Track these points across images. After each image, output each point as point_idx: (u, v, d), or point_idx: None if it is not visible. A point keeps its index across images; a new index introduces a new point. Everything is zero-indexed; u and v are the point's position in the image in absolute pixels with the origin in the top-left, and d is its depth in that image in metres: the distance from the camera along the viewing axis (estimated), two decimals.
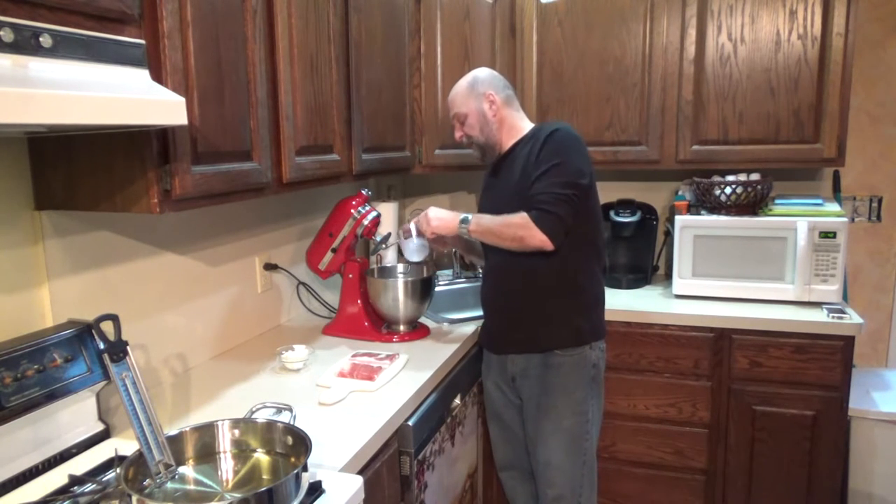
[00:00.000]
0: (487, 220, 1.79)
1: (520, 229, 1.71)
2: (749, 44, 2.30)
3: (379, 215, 2.06)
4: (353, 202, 2.02)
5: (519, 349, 1.85)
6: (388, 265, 2.26)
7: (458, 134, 1.92)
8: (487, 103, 1.86)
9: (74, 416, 1.27)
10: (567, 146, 1.74)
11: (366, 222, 2.01)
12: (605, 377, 1.92)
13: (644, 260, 2.67)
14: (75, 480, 1.16)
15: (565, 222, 1.71)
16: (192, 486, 1.12)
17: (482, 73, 1.91)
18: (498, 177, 1.90)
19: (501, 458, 2.05)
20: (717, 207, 2.36)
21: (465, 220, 1.82)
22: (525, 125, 1.89)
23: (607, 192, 2.81)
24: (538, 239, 1.69)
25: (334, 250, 2.03)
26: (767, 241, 2.26)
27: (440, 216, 1.86)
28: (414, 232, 1.91)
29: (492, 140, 1.88)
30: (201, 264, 1.79)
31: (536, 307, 1.81)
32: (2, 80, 0.81)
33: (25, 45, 0.89)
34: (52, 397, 1.19)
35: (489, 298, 1.92)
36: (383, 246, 2.13)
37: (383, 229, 2.22)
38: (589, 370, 1.82)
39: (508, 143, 1.88)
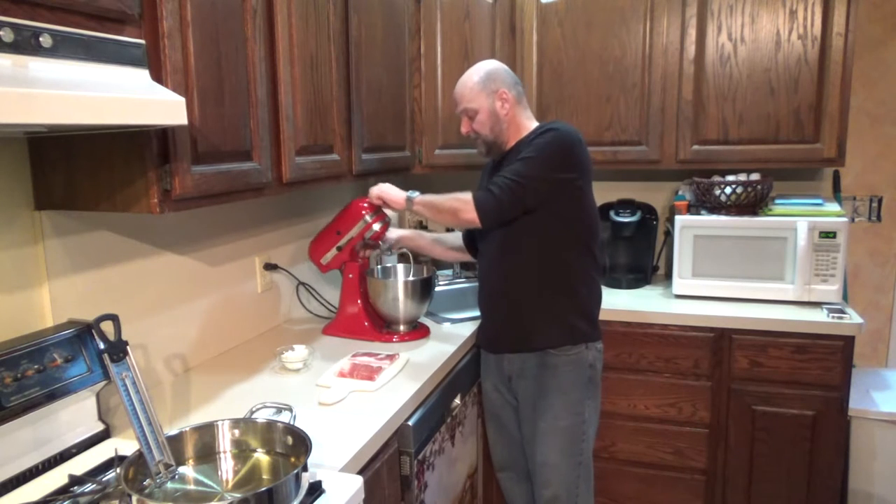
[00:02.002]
0: (432, 195, 1.83)
1: (456, 202, 1.75)
2: (749, 44, 2.30)
3: (389, 221, 2.04)
4: (365, 204, 1.99)
5: (514, 348, 1.85)
6: (389, 265, 2.26)
7: (465, 128, 1.89)
8: (500, 101, 1.82)
9: (74, 416, 1.27)
10: (551, 143, 1.72)
11: (376, 228, 1.99)
12: (605, 377, 1.92)
13: (644, 260, 2.67)
14: (75, 480, 1.16)
15: (503, 208, 1.72)
16: (192, 486, 1.12)
17: (493, 66, 1.86)
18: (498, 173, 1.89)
19: (499, 458, 2.05)
20: (717, 207, 2.36)
21: (409, 198, 1.86)
22: (531, 124, 1.88)
23: (607, 192, 2.81)
24: (470, 216, 1.73)
25: (339, 248, 2.02)
26: (767, 241, 2.26)
27: (390, 189, 1.91)
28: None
29: (501, 139, 1.85)
30: (201, 264, 1.79)
31: (530, 306, 1.80)
32: (2, 80, 0.81)
33: (25, 45, 0.89)
34: (52, 397, 1.19)
35: (484, 298, 1.93)
36: (389, 253, 2.12)
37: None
38: (586, 371, 1.82)
39: (514, 141, 1.86)
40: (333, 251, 2.03)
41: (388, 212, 2.43)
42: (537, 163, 1.71)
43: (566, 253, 1.78)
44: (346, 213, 2.03)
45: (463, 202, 1.74)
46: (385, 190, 1.91)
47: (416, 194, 1.85)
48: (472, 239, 2.07)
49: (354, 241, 2.01)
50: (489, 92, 1.82)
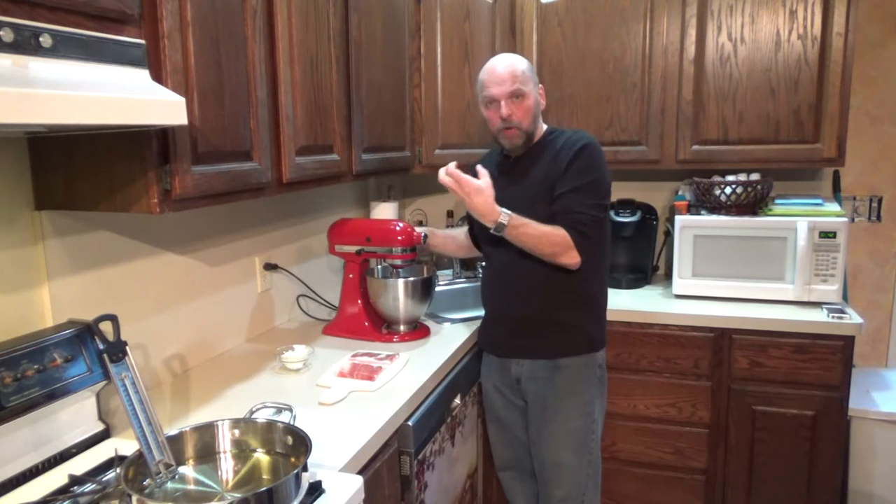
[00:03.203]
0: (530, 228, 1.69)
1: (558, 247, 1.71)
2: (749, 44, 2.30)
3: (416, 258, 2.05)
4: (399, 236, 1.98)
5: (528, 355, 1.84)
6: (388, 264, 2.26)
7: (506, 111, 1.75)
8: (540, 95, 1.84)
9: (74, 416, 1.27)
10: (599, 164, 1.75)
11: (397, 262, 2.03)
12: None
13: (644, 260, 2.67)
14: (75, 480, 1.16)
15: (592, 242, 1.74)
16: (192, 486, 1.12)
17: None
18: (514, 178, 1.84)
19: (501, 458, 2.05)
20: (717, 207, 2.36)
21: (502, 221, 1.67)
22: (543, 126, 1.88)
23: None
24: (574, 260, 1.72)
25: (359, 252, 2.03)
26: (767, 241, 2.26)
27: (487, 202, 1.67)
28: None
29: (532, 132, 1.82)
30: (201, 264, 1.79)
31: (549, 316, 1.79)
32: (2, 80, 0.81)
33: (25, 45, 0.89)
34: (52, 397, 1.19)
35: (496, 303, 1.91)
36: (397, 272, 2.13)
37: None
38: (596, 371, 1.83)
39: (534, 140, 1.84)
40: (352, 248, 2.02)
41: (383, 207, 2.44)
42: (597, 188, 1.74)
43: (586, 261, 1.76)
44: (385, 230, 2.01)
45: (564, 248, 1.69)
46: (487, 194, 1.67)
47: (506, 218, 1.67)
48: (474, 235, 2.08)
49: (374, 255, 2.04)
50: (535, 82, 1.82)
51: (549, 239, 1.71)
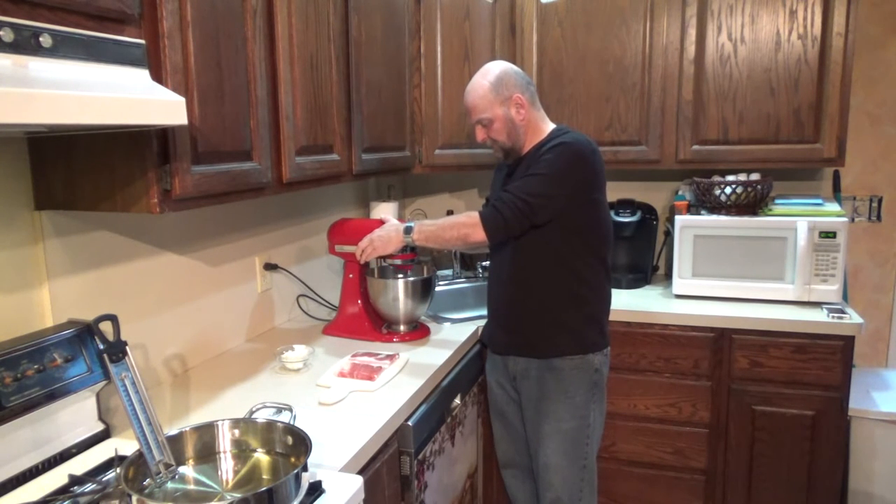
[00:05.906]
0: (435, 224, 1.79)
1: (465, 228, 1.72)
2: (749, 44, 2.30)
3: (416, 254, 2.05)
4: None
5: (519, 353, 1.85)
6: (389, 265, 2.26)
7: (480, 136, 1.82)
8: (515, 107, 1.76)
9: (74, 416, 1.27)
10: (561, 159, 1.69)
11: (398, 262, 2.04)
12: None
13: (644, 260, 2.67)
14: (75, 480, 1.16)
15: (509, 226, 1.70)
16: (192, 486, 1.12)
17: (502, 69, 1.78)
18: (514, 178, 1.83)
19: (503, 455, 2.05)
20: (717, 207, 2.36)
21: (408, 230, 1.79)
22: (546, 126, 1.84)
23: (607, 192, 2.81)
24: (480, 236, 1.72)
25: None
26: (767, 241, 2.26)
27: (382, 235, 1.82)
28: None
29: (518, 144, 1.81)
30: (201, 264, 1.79)
31: (539, 315, 1.79)
32: (2, 80, 0.81)
33: (25, 45, 0.89)
34: (52, 397, 1.19)
35: (491, 301, 1.92)
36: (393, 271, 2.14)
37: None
38: (591, 375, 1.81)
39: (531, 144, 1.81)
40: (352, 249, 2.02)
41: (383, 207, 2.44)
42: (545, 181, 1.68)
43: (578, 262, 1.76)
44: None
45: (471, 226, 1.71)
46: (377, 238, 1.82)
47: (412, 226, 1.80)
48: None
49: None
50: (503, 99, 1.76)
51: (451, 223, 1.75)
